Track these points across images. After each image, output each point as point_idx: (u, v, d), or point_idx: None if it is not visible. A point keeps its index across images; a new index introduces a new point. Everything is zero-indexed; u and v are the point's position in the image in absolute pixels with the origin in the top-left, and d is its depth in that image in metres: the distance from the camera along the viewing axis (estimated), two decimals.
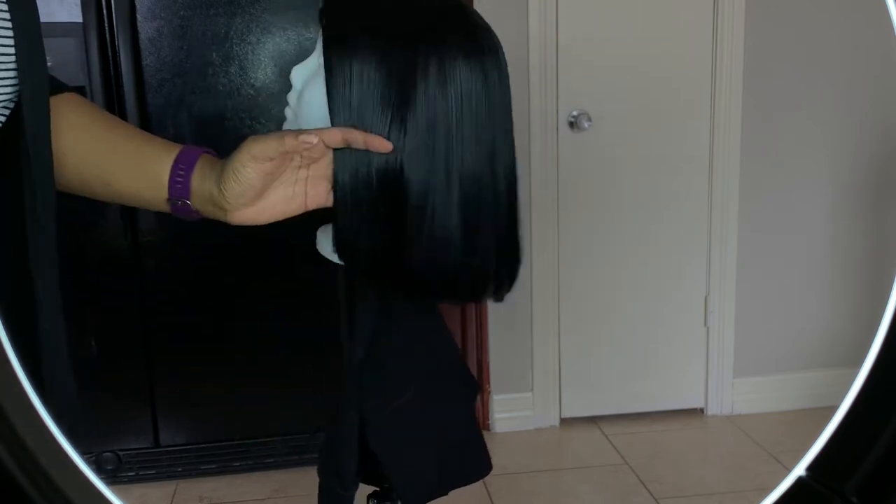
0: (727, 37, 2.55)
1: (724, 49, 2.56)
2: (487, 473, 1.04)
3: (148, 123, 2.22)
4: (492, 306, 2.59)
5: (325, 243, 0.90)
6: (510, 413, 2.68)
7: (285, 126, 0.90)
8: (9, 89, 0.74)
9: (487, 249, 0.87)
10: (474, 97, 0.84)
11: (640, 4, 2.53)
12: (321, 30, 0.84)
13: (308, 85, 0.86)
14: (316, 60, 0.86)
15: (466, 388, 1.03)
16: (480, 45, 0.84)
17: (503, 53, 0.88)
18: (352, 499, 0.96)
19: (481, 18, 0.87)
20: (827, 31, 2.60)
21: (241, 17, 2.23)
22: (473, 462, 1.03)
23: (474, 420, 1.04)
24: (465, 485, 1.01)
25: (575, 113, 2.54)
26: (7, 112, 0.76)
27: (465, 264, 0.86)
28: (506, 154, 0.88)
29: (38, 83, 0.75)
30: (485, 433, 2.65)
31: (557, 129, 2.55)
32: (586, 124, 2.53)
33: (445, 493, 1.00)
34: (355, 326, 0.94)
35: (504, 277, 0.91)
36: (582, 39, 2.52)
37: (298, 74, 0.88)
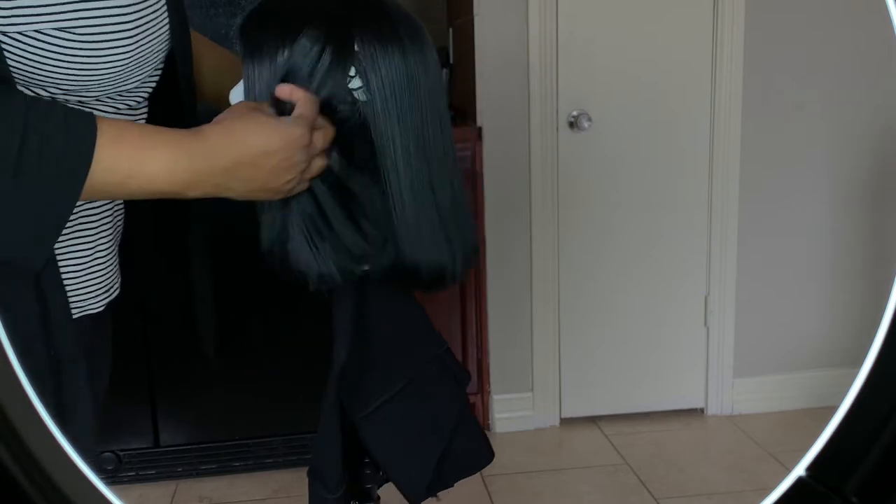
0: (727, 37, 2.55)
1: (724, 49, 2.56)
2: (489, 462, 1.04)
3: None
4: (492, 307, 2.59)
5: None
6: (510, 413, 2.68)
7: None
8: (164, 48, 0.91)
9: (425, 239, 0.88)
10: (397, 86, 0.83)
11: (640, 5, 2.53)
12: (241, 48, 0.86)
13: None
14: None
15: (456, 379, 1.04)
16: (398, 34, 0.84)
17: (427, 39, 0.88)
18: (340, 500, 0.96)
19: (402, 9, 0.88)
20: (827, 31, 2.60)
21: (241, 16, 2.23)
22: (473, 452, 1.03)
23: (469, 410, 1.04)
24: (468, 475, 1.02)
25: (575, 113, 2.54)
26: (161, 69, 0.93)
27: (400, 254, 0.87)
28: (438, 141, 0.88)
29: (184, 42, 0.95)
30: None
31: (557, 129, 2.55)
32: (586, 124, 2.53)
33: (450, 485, 1.00)
34: (336, 327, 0.95)
35: (451, 265, 0.91)
36: (582, 39, 2.52)
37: (235, 96, 0.90)
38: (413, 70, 0.85)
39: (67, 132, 0.71)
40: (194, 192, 0.79)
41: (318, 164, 0.84)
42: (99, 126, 0.74)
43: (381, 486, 1.04)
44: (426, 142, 0.87)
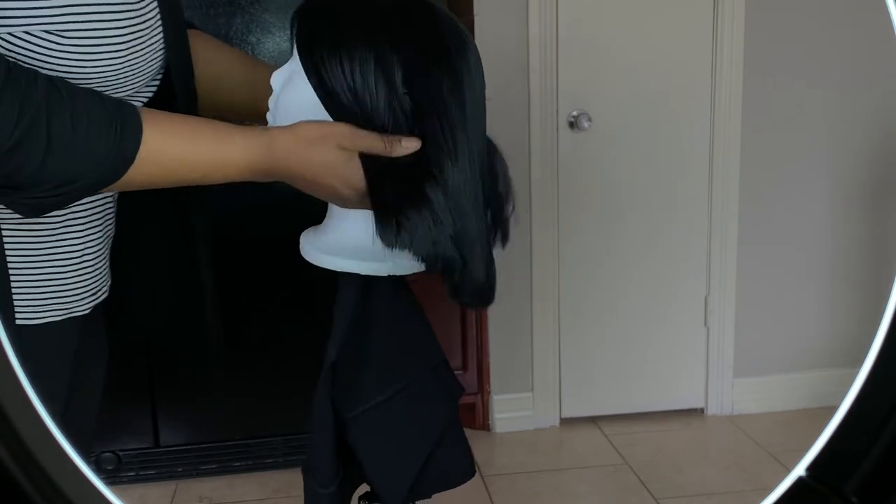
0: (727, 37, 2.55)
1: (724, 49, 2.56)
2: (470, 477, 1.03)
3: None
4: (492, 306, 2.59)
5: (307, 248, 0.94)
6: (510, 413, 2.68)
7: None
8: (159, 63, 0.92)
9: (475, 255, 0.88)
10: (443, 96, 0.84)
11: (640, 5, 2.53)
12: (294, 35, 0.86)
13: (284, 88, 0.89)
14: (291, 65, 0.89)
15: (448, 391, 1.03)
16: (446, 45, 0.84)
17: (474, 52, 0.88)
18: (334, 496, 0.96)
19: (450, 18, 0.88)
20: (827, 31, 2.60)
21: (241, 17, 2.23)
22: (456, 466, 1.02)
23: (457, 423, 1.03)
24: (447, 488, 1.01)
25: (575, 113, 2.54)
26: (160, 79, 0.94)
27: (454, 269, 0.87)
28: (475, 156, 0.88)
29: (182, 52, 0.96)
30: (485, 433, 2.65)
31: (557, 129, 2.55)
32: (586, 124, 2.53)
33: (427, 496, 1.00)
34: (334, 325, 0.95)
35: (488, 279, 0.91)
36: (582, 39, 2.52)
37: (277, 79, 0.90)
38: (457, 83, 0.85)
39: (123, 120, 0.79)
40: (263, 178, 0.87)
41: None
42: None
43: None
44: (466, 155, 0.87)
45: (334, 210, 0.94)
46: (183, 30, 0.96)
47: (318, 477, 0.95)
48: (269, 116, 0.93)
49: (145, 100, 0.94)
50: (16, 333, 0.85)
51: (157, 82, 0.94)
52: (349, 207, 0.89)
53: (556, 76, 2.52)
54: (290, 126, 0.85)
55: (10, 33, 0.78)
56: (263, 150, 0.84)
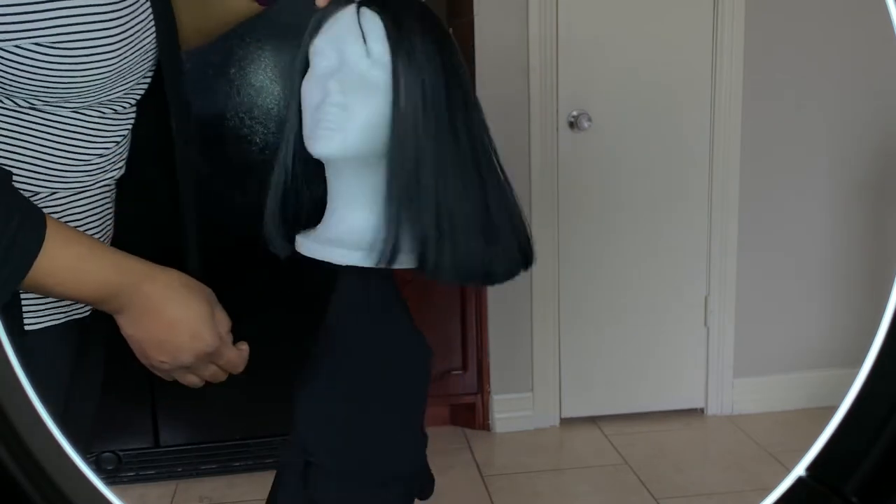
0: (727, 37, 2.55)
1: (724, 49, 2.56)
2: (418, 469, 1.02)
3: None
4: (492, 307, 2.59)
5: (310, 244, 0.92)
6: (510, 413, 2.68)
7: (328, 100, 0.86)
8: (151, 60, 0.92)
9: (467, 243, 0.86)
10: (428, 98, 0.84)
11: (640, 5, 2.53)
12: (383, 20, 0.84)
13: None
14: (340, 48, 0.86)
15: (414, 392, 1.02)
16: (450, 40, 0.87)
17: (457, 51, 0.90)
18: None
19: (432, 14, 0.89)
20: (827, 31, 2.60)
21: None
22: (402, 459, 1.01)
23: (414, 425, 1.01)
24: (398, 481, 1.01)
25: (575, 113, 2.54)
26: (151, 76, 0.93)
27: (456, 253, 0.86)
28: (468, 150, 0.87)
29: (172, 49, 0.95)
30: (485, 433, 2.64)
31: (557, 129, 2.55)
32: (586, 124, 2.53)
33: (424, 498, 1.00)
34: (330, 321, 0.96)
35: (504, 260, 0.89)
36: (582, 39, 2.52)
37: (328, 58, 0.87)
38: (462, 75, 0.86)
39: (14, 240, 0.73)
40: (103, 306, 0.83)
41: (207, 372, 0.97)
42: (47, 233, 0.75)
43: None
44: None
45: (338, 205, 0.92)
46: (173, 26, 0.95)
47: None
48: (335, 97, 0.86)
49: (137, 97, 0.93)
50: (18, 336, 0.85)
51: (147, 81, 0.93)
52: (167, 358, 0.90)
53: (556, 76, 2.52)
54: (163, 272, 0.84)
55: (0, 48, 0.78)
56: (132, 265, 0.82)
